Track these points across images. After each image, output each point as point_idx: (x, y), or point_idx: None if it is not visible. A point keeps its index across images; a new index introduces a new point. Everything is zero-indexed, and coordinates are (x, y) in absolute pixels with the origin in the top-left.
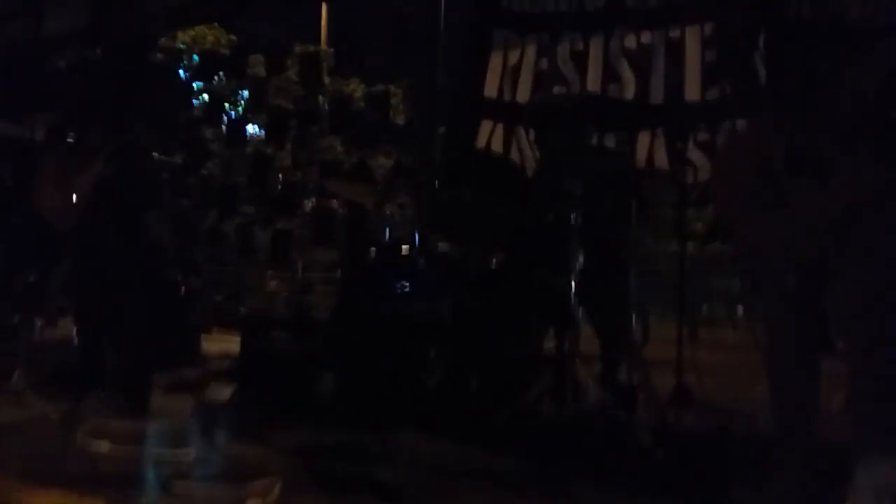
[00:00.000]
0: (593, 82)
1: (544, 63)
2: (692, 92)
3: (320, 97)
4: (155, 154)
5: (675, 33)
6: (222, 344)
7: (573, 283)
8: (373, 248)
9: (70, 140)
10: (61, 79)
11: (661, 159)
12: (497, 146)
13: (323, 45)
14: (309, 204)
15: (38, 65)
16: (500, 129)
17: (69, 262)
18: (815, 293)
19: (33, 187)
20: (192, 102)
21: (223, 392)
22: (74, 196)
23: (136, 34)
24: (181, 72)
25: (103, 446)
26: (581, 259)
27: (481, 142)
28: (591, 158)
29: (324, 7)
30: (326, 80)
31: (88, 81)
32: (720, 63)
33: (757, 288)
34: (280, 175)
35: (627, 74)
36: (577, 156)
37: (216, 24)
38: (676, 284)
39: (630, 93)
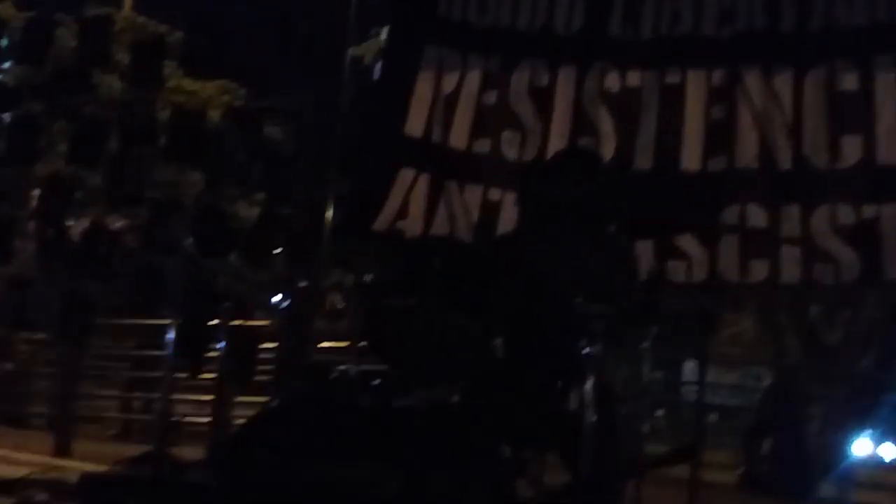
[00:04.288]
0: (559, 133)
1: (491, 96)
2: (691, 160)
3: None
4: None
5: (673, 78)
6: None
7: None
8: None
9: None
10: None
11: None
12: (417, 204)
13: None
14: None
15: None
16: (423, 181)
17: None
18: None
19: None
20: None
21: None
22: None
23: None
24: None
25: None
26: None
27: (396, 197)
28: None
29: None
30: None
31: None
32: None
33: None
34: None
35: (607, 127)
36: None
37: None
38: None
39: (609, 152)
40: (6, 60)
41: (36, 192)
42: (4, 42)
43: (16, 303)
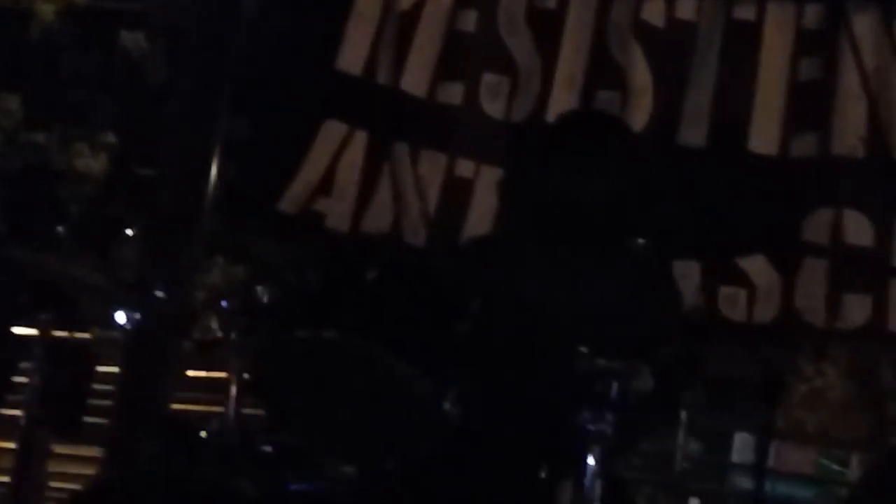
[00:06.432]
0: (567, 80)
1: (470, 18)
2: (764, 138)
3: None
4: None
5: (745, 12)
6: None
7: None
8: None
9: None
10: None
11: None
12: (348, 176)
13: None
14: None
15: None
16: (359, 141)
17: None
18: None
19: None
20: None
21: None
22: None
23: None
24: None
25: None
26: None
27: (316, 163)
28: None
29: None
30: None
31: None
32: None
33: None
34: None
35: (640, 77)
36: None
37: None
38: None
39: (641, 116)
40: None
41: None
42: None
43: None
